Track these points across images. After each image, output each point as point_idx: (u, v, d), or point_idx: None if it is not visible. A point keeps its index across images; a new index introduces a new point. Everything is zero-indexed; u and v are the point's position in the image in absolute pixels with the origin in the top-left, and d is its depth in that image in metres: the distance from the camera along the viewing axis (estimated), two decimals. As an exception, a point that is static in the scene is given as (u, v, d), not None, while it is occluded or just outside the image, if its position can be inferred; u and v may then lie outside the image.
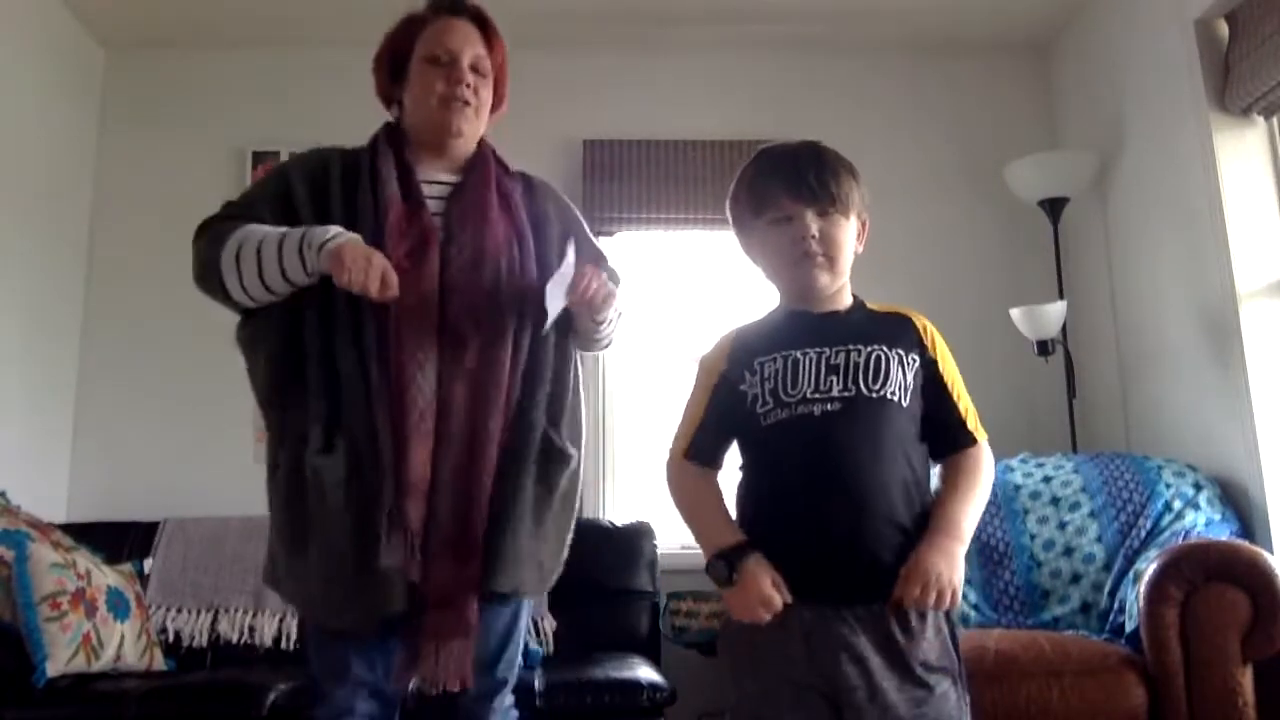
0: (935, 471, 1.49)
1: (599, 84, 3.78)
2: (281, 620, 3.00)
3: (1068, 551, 2.71)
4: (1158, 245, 3.18)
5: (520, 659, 1.76)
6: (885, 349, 1.43)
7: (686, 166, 3.65)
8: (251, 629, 2.99)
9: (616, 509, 3.55)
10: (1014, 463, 2.98)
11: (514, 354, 1.66)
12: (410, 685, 1.80)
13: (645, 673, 2.60)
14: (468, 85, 1.72)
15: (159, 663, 2.78)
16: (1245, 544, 2.41)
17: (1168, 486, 2.70)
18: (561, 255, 1.71)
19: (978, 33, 3.75)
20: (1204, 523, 2.60)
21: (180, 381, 3.48)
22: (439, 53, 1.72)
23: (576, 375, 1.79)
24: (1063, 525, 2.75)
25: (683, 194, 3.63)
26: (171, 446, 3.46)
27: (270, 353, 1.63)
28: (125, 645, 2.68)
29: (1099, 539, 2.69)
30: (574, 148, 3.67)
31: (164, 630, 2.95)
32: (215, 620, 3.00)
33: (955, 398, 1.47)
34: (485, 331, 1.63)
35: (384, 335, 1.59)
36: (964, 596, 2.65)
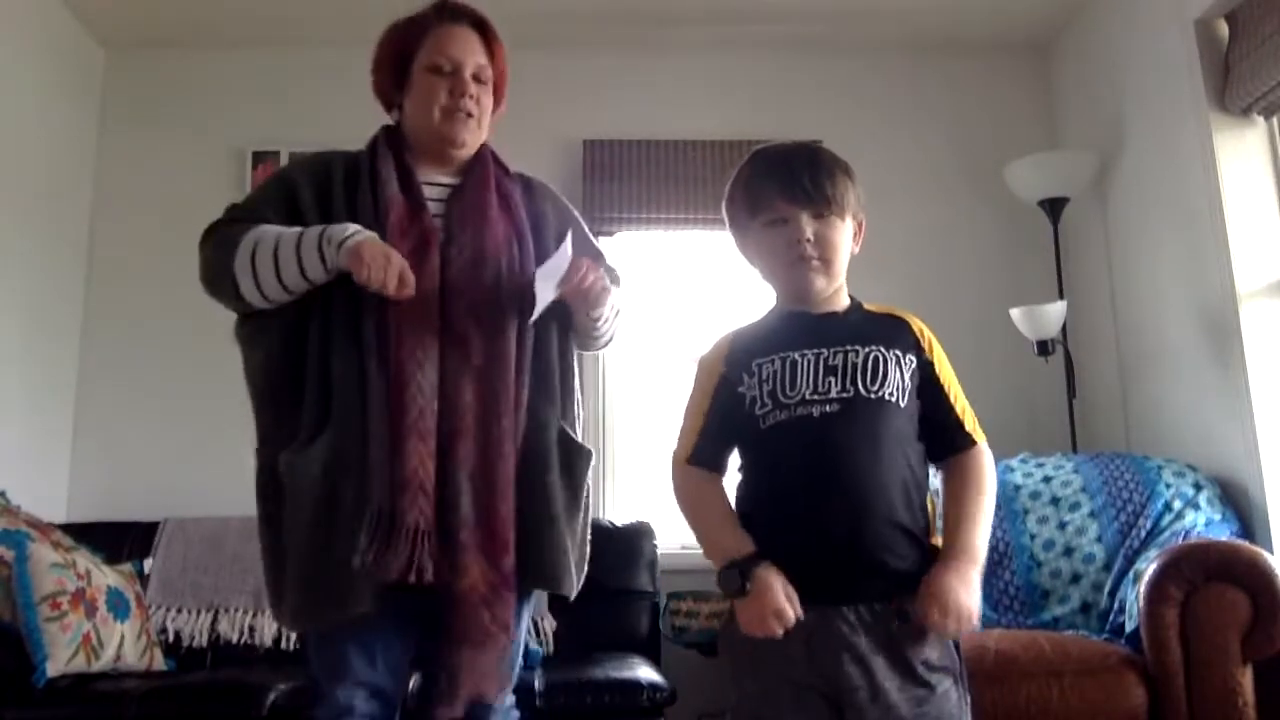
0: (934, 472, 1.50)
1: (599, 84, 3.78)
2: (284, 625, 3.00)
3: (1068, 551, 2.71)
4: (1158, 245, 3.18)
5: (520, 659, 1.76)
6: (883, 350, 1.43)
7: (686, 166, 3.65)
8: (251, 629, 2.99)
9: (616, 509, 3.55)
10: (1014, 463, 2.98)
11: (519, 352, 1.66)
12: (411, 685, 1.81)
13: (645, 673, 2.60)
14: (470, 96, 1.73)
15: (159, 663, 2.78)
16: (1245, 544, 2.41)
17: (1168, 486, 2.70)
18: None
19: (978, 33, 3.75)
20: (1204, 523, 2.60)
21: (180, 381, 3.48)
22: (441, 62, 1.72)
23: (578, 372, 1.80)
24: (1063, 525, 2.75)
25: (683, 194, 3.63)
26: (171, 446, 3.46)
27: (268, 351, 1.63)
28: (125, 645, 2.68)
29: (1099, 539, 2.69)
30: (574, 148, 3.67)
31: (164, 630, 2.95)
32: (215, 620, 3.00)
33: (952, 399, 1.46)
34: (488, 330, 1.64)
35: (384, 334, 1.59)
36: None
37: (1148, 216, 3.24)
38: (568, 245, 1.67)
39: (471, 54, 1.74)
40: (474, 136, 1.76)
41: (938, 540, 1.43)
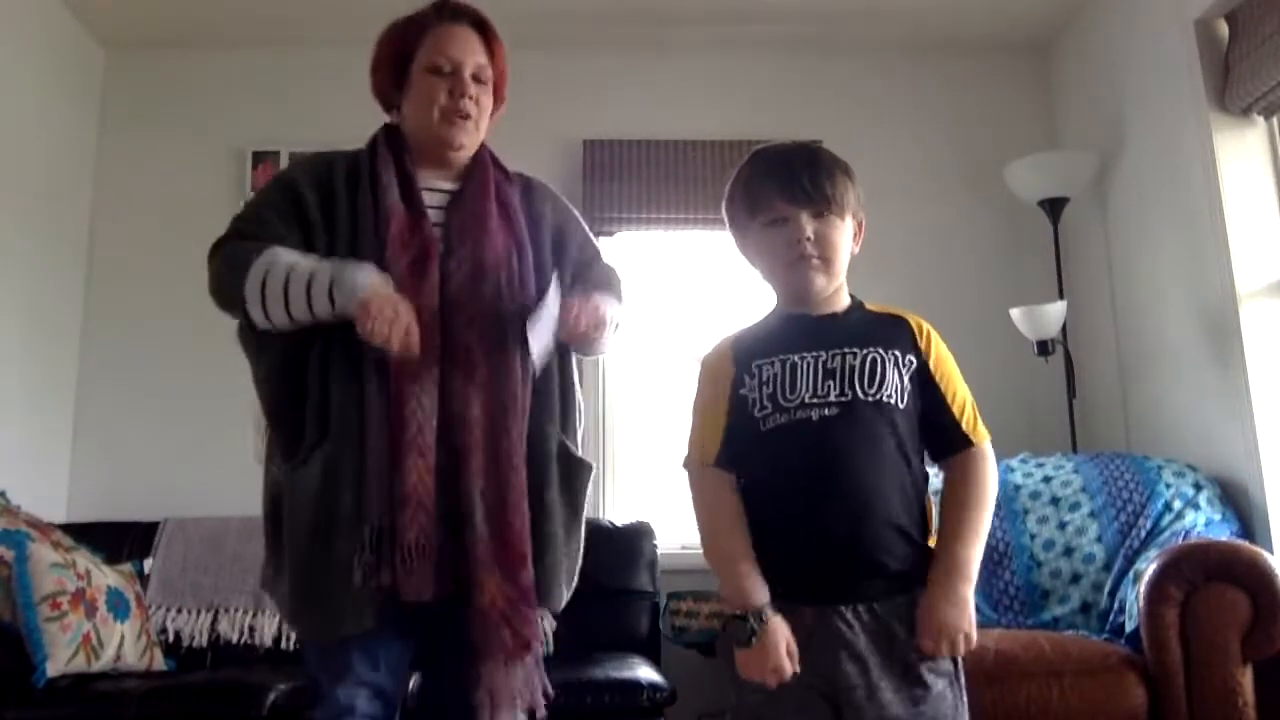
0: (937, 472, 1.49)
1: (599, 84, 3.78)
2: (282, 620, 3.00)
3: (1068, 551, 2.71)
4: (1158, 245, 3.18)
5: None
6: (881, 351, 1.43)
7: (686, 166, 3.65)
8: (251, 629, 2.99)
9: (616, 509, 3.54)
10: (1014, 463, 2.98)
11: (521, 365, 1.64)
12: (411, 685, 1.81)
13: (645, 673, 2.60)
14: (469, 97, 1.70)
15: (159, 663, 2.78)
16: (1245, 544, 2.41)
17: (1168, 486, 2.70)
18: (546, 281, 1.68)
19: (978, 33, 3.75)
20: (1204, 523, 2.60)
21: (180, 381, 3.48)
22: (441, 62, 1.70)
23: (578, 383, 1.78)
24: (1063, 525, 2.75)
25: (683, 194, 3.63)
26: (171, 446, 3.46)
27: (271, 364, 1.62)
28: (125, 645, 2.68)
29: (1099, 539, 2.69)
30: (574, 148, 3.67)
31: (164, 630, 2.95)
32: (215, 620, 3.00)
33: (949, 399, 1.45)
34: (491, 343, 1.62)
35: (383, 351, 1.56)
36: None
37: (1148, 216, 3.24)
38: (553, 294, 1.64)
39: (471, 54, 1.72)
40: (472, 139, 1.74)
41: (934, 541, 1.43)
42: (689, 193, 3.62)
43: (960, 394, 1.47)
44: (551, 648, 2.95)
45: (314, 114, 3.61)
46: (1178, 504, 2.66)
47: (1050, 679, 2.25)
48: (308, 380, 1.58)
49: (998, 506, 2.80)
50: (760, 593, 1.39)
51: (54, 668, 2.47)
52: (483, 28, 1.76)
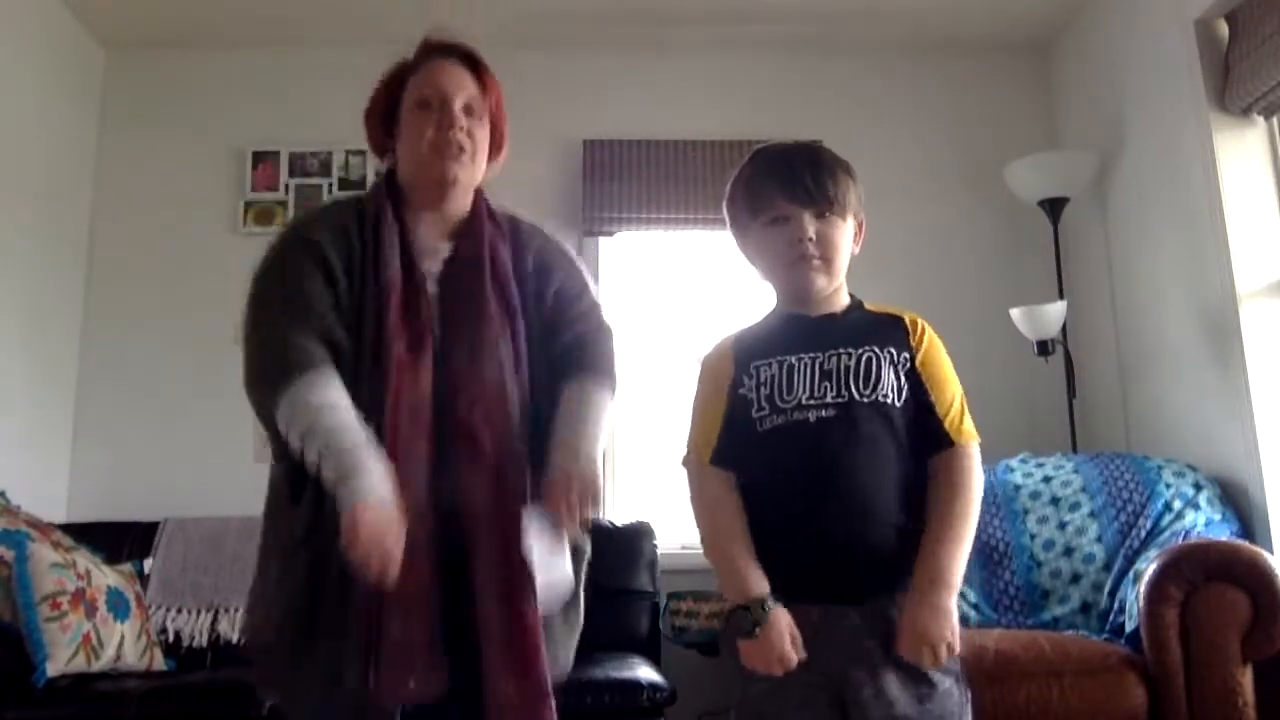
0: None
1: (599, 84, 3.78)
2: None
3: (1068, 551, 2.71)
4: (1158, 245, 3.18)
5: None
6: (876, 350, 1.43)
7: (686, 166, 3.65)
8: (251, 629, 2.99)
9: (616, 509, 3.54)
10: (1014, 463, 2.98)
11: (525, 444, 1.56)
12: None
13: (645, 673, 2.60)
14: (460, 128, 1.61)
15: (159, 663, 2.78)
16: (1245, 544, 2.41)
17: (1168, 486, 2.70)
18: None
19: (978, 33, 3.75)
20: (1204, 523, 2.60)
21: (180, 381, 3.48)
22: (428, 94, 1.62)
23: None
24: (1063, 525, 2.75)
25: (682, 194, 3.63)
26: (171, 446, 3.46)
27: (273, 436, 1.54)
28: (125, 645, 2.68)
29: (1099, 539, 2.69)
30: (574, 148, 3.67)
31: (164, 630, 2.95)
32: (215, 620, 3.00)
33: (935, 396, 1.44)
34: (496, 422, 1.54)
35: (379, 435, 1.47)
36: (964, 596, 2.66)
37: (1148, 216, 3.24)
38: (531, 537, 1.49)
39: (460, 87, 1.63)
40: (468, 173, 1.64)
41: None
42: (689, 193, 3.62)
43: (949, 392, 1.45)
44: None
45: (314, 114, 3.62)
46: (1178, 504, 2.66)
47: (1050, 679, 2.25)
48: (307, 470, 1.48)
49: (998, 507, 2.84)
50: (762, 583, 1.39)
51: (54, 668, 2.47)
52: (473, 63, 1.68)
